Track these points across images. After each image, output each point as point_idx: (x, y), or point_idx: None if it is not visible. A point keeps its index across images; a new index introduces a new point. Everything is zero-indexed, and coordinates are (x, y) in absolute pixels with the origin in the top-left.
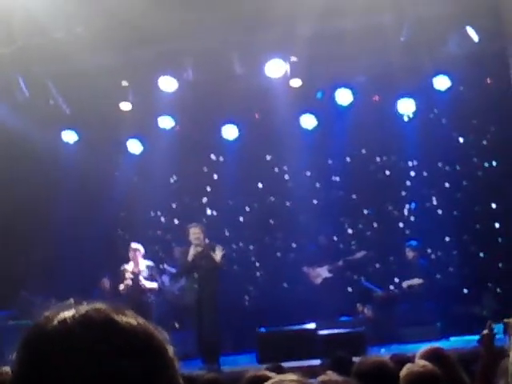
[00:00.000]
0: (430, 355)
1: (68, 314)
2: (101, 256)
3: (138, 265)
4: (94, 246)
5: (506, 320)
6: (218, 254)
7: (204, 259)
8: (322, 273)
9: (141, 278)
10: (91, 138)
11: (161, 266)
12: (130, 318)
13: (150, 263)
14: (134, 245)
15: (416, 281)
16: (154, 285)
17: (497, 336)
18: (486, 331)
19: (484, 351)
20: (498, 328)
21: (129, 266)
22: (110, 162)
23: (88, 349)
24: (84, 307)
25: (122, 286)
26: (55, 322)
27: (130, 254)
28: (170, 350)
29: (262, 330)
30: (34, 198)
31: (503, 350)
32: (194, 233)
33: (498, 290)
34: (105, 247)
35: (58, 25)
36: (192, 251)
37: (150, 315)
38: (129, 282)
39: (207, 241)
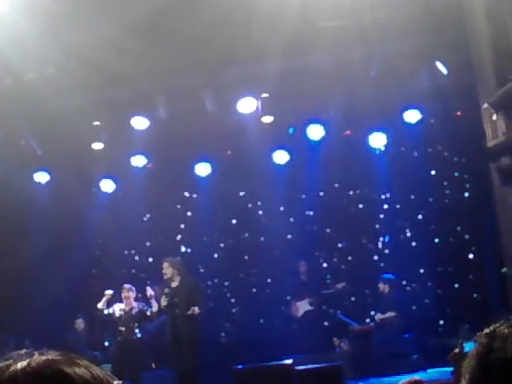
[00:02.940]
0: None
1: (20, 366)
2: (75, 296)
3: (131, 305)
4: (68, 286)
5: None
6: (195, 310)
7: (178, 296)
8: (303, 306)
9: (132, 317)
10: (63, 178)
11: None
12: (83, 370)
13: (142, 304)
14: (127, 286)
15: (389, 314)
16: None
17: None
18: (456, 350)
19: (455, 370)
20: (469, 346)
21: (121, 306)
22: (83, 202)
23: None
24: (37, 358)
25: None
26: (6, 374)
27: (123, 294)
28: None
29: (239, 366)
30: (7, 238)
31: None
32: (163, 268)
33: (474, 320)
34: (79, 287)
35: (29, 66)
36: (165, 289)
37: (140, 353)
38: (121, 326)
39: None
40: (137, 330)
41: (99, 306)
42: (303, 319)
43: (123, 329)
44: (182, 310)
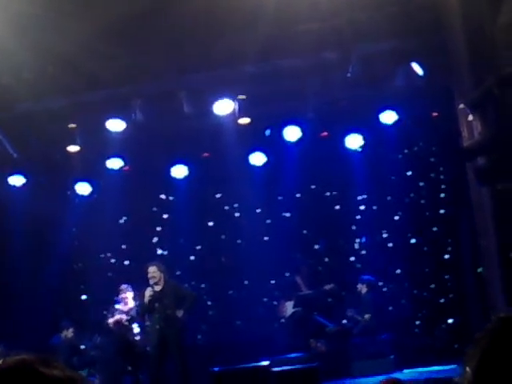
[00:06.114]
0: None
1: None
2: (52, 299)
3: (127, 305)
4: (44, 290)
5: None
6: (180, 312)
7: (165, 299)
8: (290, 306)
9: (129, 317)
10: (39, 181)
11: (112, 309)
12: (56, 370)
13: (138, 304)
14: (123, 286)
15: (367, 316)
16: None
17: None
18: None
19: None
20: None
21: (120, 306)
22: (59, 205)
23: None
24: (12, 359)
25: (111, 322)
26: None
27: (122, 295)
28: None
29: (216, 368)
30: None
31: None
32: (150, 272)
33: (450, 320)
34: (55, 290)
35: (4, 70)
36: (148, 292)
37: (138, 352)
38: (118, 319)
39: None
40: (136, 331)
41: (121, 307)
42: (291, 319)
43: (123, 330)
44: (169, 312)
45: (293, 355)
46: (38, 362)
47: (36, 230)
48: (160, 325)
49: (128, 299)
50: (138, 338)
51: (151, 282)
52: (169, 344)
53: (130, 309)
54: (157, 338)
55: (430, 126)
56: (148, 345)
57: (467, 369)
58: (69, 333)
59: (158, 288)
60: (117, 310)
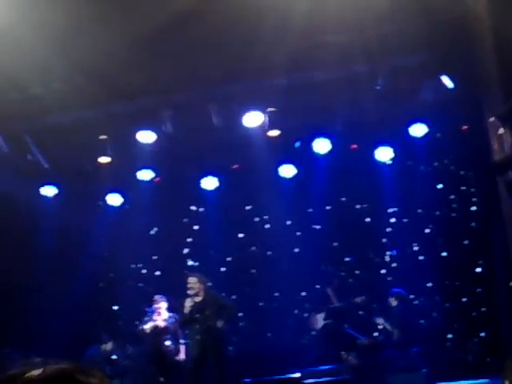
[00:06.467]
0: None
1: (35, 372)
2: (83, 310)
3: (161, 315)
4: (75, 300)
5: None
6: (220, 323)
7: (206, 309)
8: (321, 319)
9: (164, 327)
10: (70, 192)
11: (146, 318)
12: (94, 379)
13: (171, 315)
14: (157, 297)
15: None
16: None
17: None
18: None
19: None
20: None
21: (154, 316)
22: (90, 216)
23: None
24: (51, 367)
25: (147, 328)
26: (21, 380)
27: (155, 305)
28: None
29: (247, 380)
30: (14, 253)
31: None
32: (190, 282)
33: (482, 334)
34: (86, 300)
35: (35, 80)
36: (189, 303)
37: (170, 362)
38: (153, 325)
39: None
40: (169, 342)
41: (155, 317)
42: (322, 331)
43: (156, 339)
44: (210, 323)
45: (324, 367)
46: (77, 370)
47: (67, 241)
48: (201, 335)
49: (161, 309)
50: (170, 348)
51: (190, 292)
52: (208, 355)
53: (164, 319)
54: (197, 349)
55: (460, 139)
56: (186, 355)
57: (506, 382)
58: (108, 346)
59: (198, 299)
60: (150, 319)
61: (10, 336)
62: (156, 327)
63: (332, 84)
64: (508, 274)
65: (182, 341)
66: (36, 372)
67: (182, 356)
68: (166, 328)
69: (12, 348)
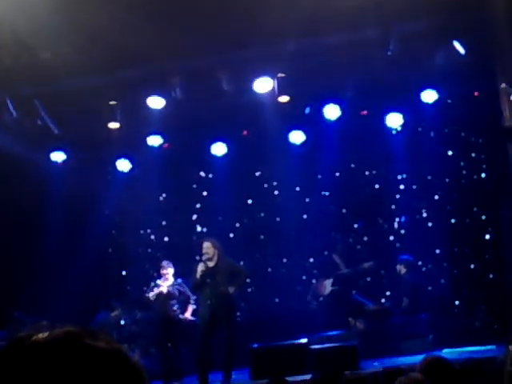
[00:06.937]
0: (433, 364)
1: (41, 335)
2: (92, 275)
3: (168, 281)
4: (84, 265)
5: None
6: (231, 289)
7: (217, 275)
8: (329, 285)
9: (169, 293)
10: (80, 158)
11: (152, 284)
12: (102, 343)
13: (179, 280)
14: (164, 262)
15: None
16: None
17: None
18: None
19: None
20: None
21: (160, 282)
22: (99, 181)
23: (58, 372)
24: (58, 331)
25: (151, 295)
26: (28, 343)
27: (162, 271)
28: (144, 375)
29: (255, 345)
30: (23, 218)
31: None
32: (204, 247)
33: (490, 301)
34: (95, 266)
35: (44, 45)
36: (201, 267)
37: (177, 327)
38: (158, 292)
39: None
40: (176, 307)
41: (162, 283)
42: (330, 297)
43: (163, 305)
44: (222, 288)
45: (331, 333)
46: (85, 334)
47: (77, 206)
48: (211, 300)
49: (168, 275)
50: (177, 313)
51: (204, 257)
52: (218, 320)
53: (170, 285)
54: (207, 314)
55: (471, 106)
56: (196, 319)
57: (511, 347)
58: (116, 312)
59: (211, 264)
60: (157, 285)
61: (20, 300)
62: (161, 293)
63: (343, 49)
64: None
65: (192, 306)
66: (43, 335)
67: (188, 316)
68: (171, 294)
69: (21, 312)
